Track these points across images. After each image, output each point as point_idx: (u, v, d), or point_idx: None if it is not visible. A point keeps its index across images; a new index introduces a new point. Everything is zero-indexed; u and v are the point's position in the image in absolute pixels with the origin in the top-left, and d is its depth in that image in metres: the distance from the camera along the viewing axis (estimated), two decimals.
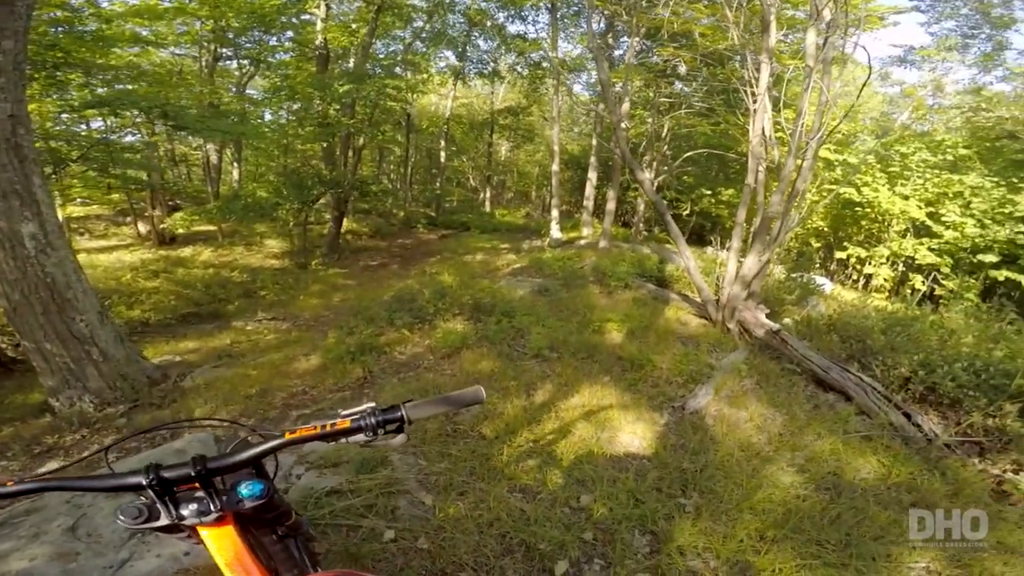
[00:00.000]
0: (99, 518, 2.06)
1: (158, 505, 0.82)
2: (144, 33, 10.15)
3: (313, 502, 2.21)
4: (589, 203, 13.42)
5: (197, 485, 0.83)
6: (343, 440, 0.88)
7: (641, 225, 14.27)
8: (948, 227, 9.92)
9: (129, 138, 11.44)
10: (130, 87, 9.40)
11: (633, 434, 3.14)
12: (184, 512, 0.82)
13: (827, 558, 2.16)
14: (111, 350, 4.08)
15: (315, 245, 12.59)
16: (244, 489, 0.86)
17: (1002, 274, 9.47)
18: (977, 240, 9.69)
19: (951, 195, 10.14)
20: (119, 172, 9.86)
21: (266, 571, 0.90)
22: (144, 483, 0.80)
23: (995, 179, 10.04)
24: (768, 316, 5.34)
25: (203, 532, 0.85)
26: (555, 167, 13.67)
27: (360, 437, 0.87)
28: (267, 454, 0.86)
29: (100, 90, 8.89)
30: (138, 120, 10.03)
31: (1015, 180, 10.17)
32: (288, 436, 0.87)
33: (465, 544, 2.08)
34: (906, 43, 21.09)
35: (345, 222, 13.82)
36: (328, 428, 0.87)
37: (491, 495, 2.38)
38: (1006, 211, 9.55)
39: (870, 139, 11.59)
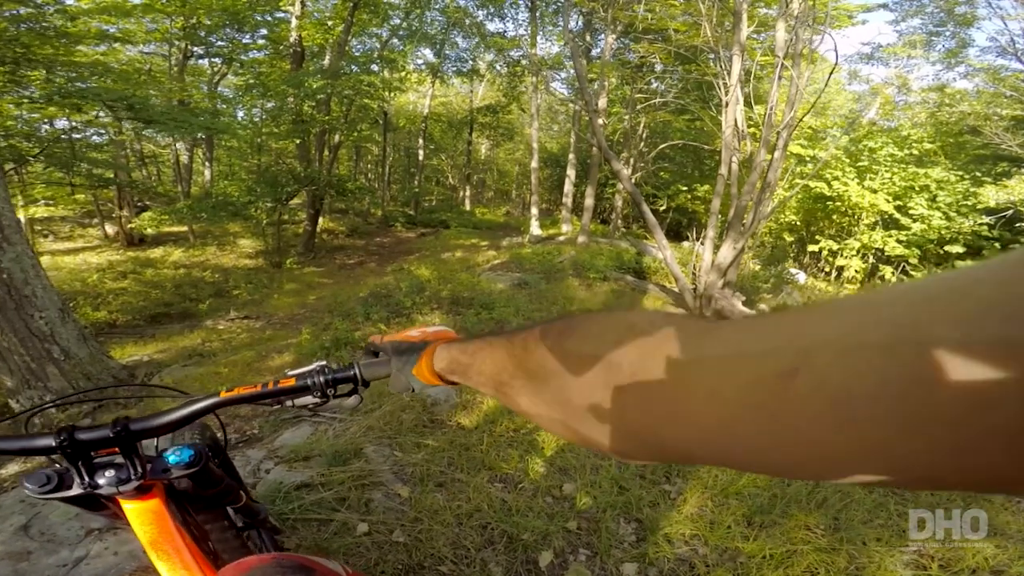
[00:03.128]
0: (53, 517, 1.95)
1: (72, 471, 0.72)
2: (111, 30, 9.82)
3: (282, 496, 2.12)
4: (568, 200, 13.46)
5: (117, 450, 0.73)
6: (289, 403, 0.78)
7: (619, 221, 14.37)
8: (915, 219, 10.21)
9: (96, 138, 11.07)
10: (94, 84, 9.09)
11: None
12: (100, 480, 0.72)
13: (817, 543, 2.15)
14: (73, 349, 3.91)
15: (290, 244, 12.35)
16: (171, 455, 0.77)
17: (967, 264, 9.76)
18: (943, 232, 9.99)
19: (918, 188, 10.44)
20: (84, 170, 9.52)
21: (201, 553, 0.81)
22: (54, 444, 0.69)
23: (959, 173, 10.39)
24: (744, 304, 5.40)
25: (126, 506, 0.75)
26: (534, 165, 13.68)
27: (308, 399, 0.77)
28: (199, 415, 0.75)
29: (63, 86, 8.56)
30: (103, 118, 9.69)
31: (978, 174, 10.53)
32: (224, 395, 0.76)
33: (444, 536, 2.02)
34: (874, 41, 21.69)
35: (321, 221, 13.61)
36: (270, 387, 0.77)
37: (471, 486, 2.32)
38: (970, 203, 9.87)
39: (839, 134, 11.86)
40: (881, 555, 2.13)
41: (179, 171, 14.37)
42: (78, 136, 10.11)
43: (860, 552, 2.13)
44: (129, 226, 11.19)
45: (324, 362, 0.80)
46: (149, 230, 11.18)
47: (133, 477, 0.73)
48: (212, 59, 14.31)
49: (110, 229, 11.68)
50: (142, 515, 0.76)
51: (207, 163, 15.79)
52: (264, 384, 0.78)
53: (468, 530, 2.06)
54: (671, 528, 2.17)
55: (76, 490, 0.73)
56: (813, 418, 0.19)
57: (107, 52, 10.50)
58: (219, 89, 15.43)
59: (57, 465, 0.75)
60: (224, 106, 13.82)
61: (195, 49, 13.37)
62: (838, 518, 2.33)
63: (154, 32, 11.75)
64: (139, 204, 12.27)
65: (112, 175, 10.97)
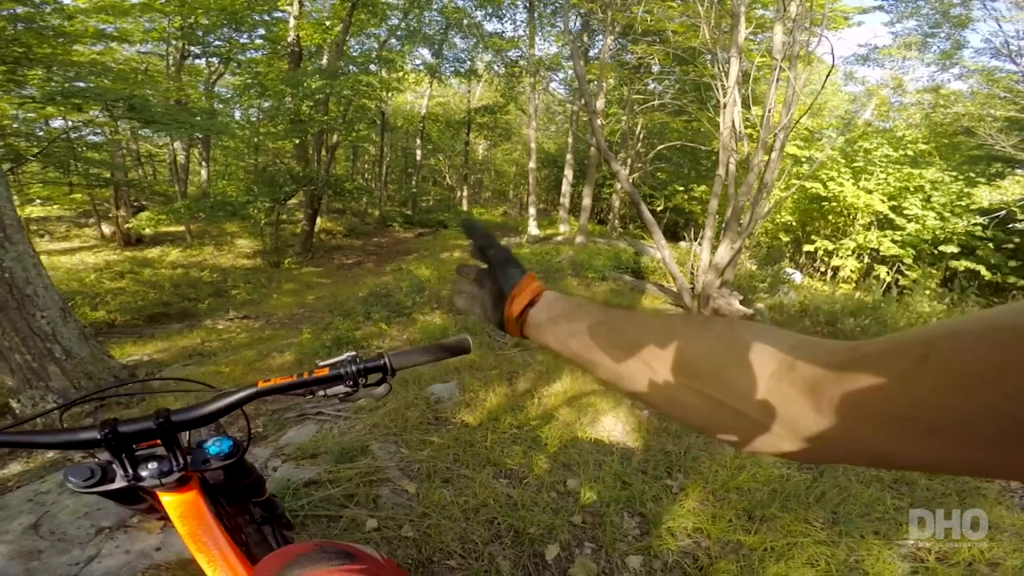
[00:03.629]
0: (63, 515, 1.96)
1: (114, 465, 0.73)
2: (109, 30, 9.79)
3: (291, 493, 2.14)
4: (566, 200, 13.51)
5: (159, 442, 0.74)
6: (321, 393, 0.80)
7: (616, 221, 14.42)
8: (910, 220, 10.28)
9: (93, 137, 11.03)
10: (92, 83, 9.07)
11: (615, 419, 3.15)
12: (143, 473, 0.73)
13: (816, 536, 2.19)
14: (75, 348, 3.91)
15: (288, 244, 12.33)
16: (212, 446, 0.78)
17: (962, 264, 9.86)
18: (937, 232, 10.07)
19: (912, 189, 10.52)
20: (81, 170, 9.48)
21: (235, 546, 0.82)
22: (99, 437, 0.70)
23: (953, 174, 10.47)
24: (741, 303, 5.45)
25: (164, 498, 0.76)
26: (532, 165, 13.72)
27: (340, 388, 0.80)
28: (238, 404, 0.77)
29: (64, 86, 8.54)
30: (101, 118, 9.67)
31: (972, 174, 10.62)
32: (261, 384, 0.78)
33: (452, 531, 2.05)
34: (870, 42, 21.84)
35: (319, 221, 13.59)
36: (305, 376, 0.79)
37: (476, 481, 2.34)
38: (963, 204, 9.96)
39: (835, 135, 11.94)
40: (879, 548, 2.17)
41: (176, 171, 14.33)
42: (76, 136, 10.06)
43: (859, 545, 2.17)
44: (126, 226, 11.15)
45: (354, 352, 0.83)
46: (146, 230, 11.13)
47: (175, 469, 0.74)
48: (209, 59, 14.28)
49: (107, 229, 11.63)
50: (181, 507, 0.77)
51: (204, 163, 15.75)
52: (299, 374, 0.80)
53: (475, 525, 2.09)
54: (674, 522, 2.20)
55: (119, 483, 0.73)
56: (943, 391, 0.25)
57: (104, 52, 10.47)
58: (216, 89, 15.40)
59: (96, 459, 0.75)
60: (221, 106, 13.79)
61: (192, 49, 13.35)
62: (836, 512, 2.37)
63: (151, 31, 11.72)
64: (136, 204, 12.23)
65: (109, 175, 10.94)
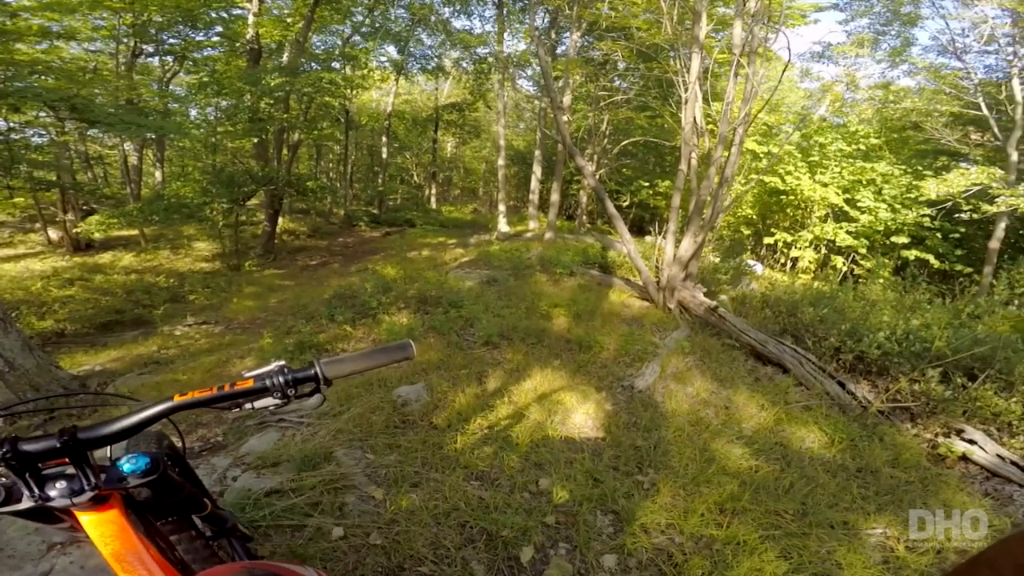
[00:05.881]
0: (12, 531, 1.84)
1: (19, 485, 0.69)
2: (54, 28, 9.25)
3: (252, 504, 2.05)
4: (535, 197, 13.52)
5: (67, 460, 0.70)
6: (248, 406, 0.75)
7: (584, 217, 14.53)
8: (863, 212, 10.68)
9: (37, 139, 10.42)
10: (34, 83, 8.56)
11: (586, 415, 3.15)
12: (51, 492, 0.69)
13: (787, 528, 2.22)
14: (18, 360, 3.68)
15: (249, 246, 11.96)
16: (125, 463, 0.73)
17: (912, 254, 10.32)
18: (889, 223, 10.50)
19: (865, 182, 10.93)
20: (23, 173, 8.95)
21: (168, 564, 0.78)
22: None
23: (903, 167, 10.93)
24: (705, 295, 5.54)
25: (83, 518, 0.72)
26: (501, 162, 13.69)
27: (268, 400, 0.75)
28: (151, 421, 0.73)
29: None
30: (45, 118, 9.13)
31: (920, 168, 11.11)
32: (178, 399, 0.74)
33: (422, 537, 1.99)
34: (825, 40, 22.55)
35: (281, 221, 13.24)
36: (227, 389, 0.74)
37: (446, 485, 2.30)
38: (913, 196, 10.41)
39: (792, 131, 12.30)
40: (849, 538, 2.22)
41: (127, 173, 13.71)
42: (17, 137, 9.48)
43: (829, 535, 2.21)
44: (75, 231, 10.60)
45: (283, 362, 0.78)
46: (97, 234, 10.61)
47: (87, 488, 0.70)
48: (163, 57, 13.69)
49: (54, 234, 11.05)
50: (101, 527, 0.73)
51: (158, 164, 15.12)
52: (220, 387, 0.75)
53: (447, 529, 2.05)
54: (647, 518, 2.21)
55: (26, 503, 0.69)
56: None
57: (48, 50, 9.91)
58: (171, 88, 14.78)
59: (3, 479, 0.71)
60: (176, 105, 13.24)
61: (145, 47, 12.77)
62: (805, 503, 2.42)
63: (101, 29, 11.14)
64: (85, 207, 11.62)
65: (55, 177, 10.37)
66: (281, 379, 0.74)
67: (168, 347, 5.56)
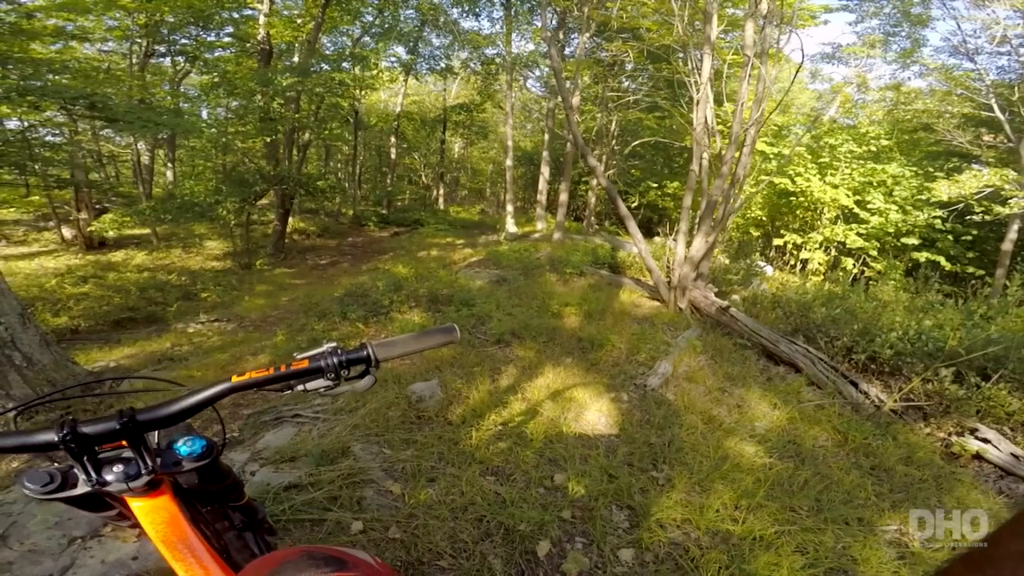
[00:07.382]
0: (32, 525, 1.86)
1: (75, 469, 0.66)
2: (68, 28, 9.38)
3: (271, 498, 2.08)
4: (542, 198, 13.53)
5: (124, 443, 0.68)
6: (300, 387, 0.75)
7: (593, 218, 14.53)
8: (874, 213, 10.62)
9: (51, 137, 10.55)
10: (50, 82, 8.68)
11: (599, 412, 3.16)
12: (108, 476, 0.66)
13: (803, 523, 2.22)
14: (36, 355, 3.73)
15: (259, 245, 12.04)
16: (183, 446, 0.72)
17: (923, 255, 10.24)
18: (900, 225, 10.43)
19: (875, 184, 10.86)
20: (39, 171, 9.06)
21: (215, 552, 0.77)
22: (56, 439, 0.64)
23: (914, 168, 10.85)
24: (716, 295, 5.54)
25: (134, 504, 0.70)
26: (509, 163, 13.70)
27: (320, 381, 0.75)
28: (211, 401, 0.72)
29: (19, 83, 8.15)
30: (59, 117, 9.25)
31: (931, 169, 11.03)
32: (235, 379, 0.73)
33: (440, 531, 2.01)
34: (835, 41, 22.40)
35: (291, 221, 13.32)
36: (283, 369, 0.74)
37: (463, 479, 2.31)
38: (924, 198, 10.34)
39: (802, 132, 12.25)
40: (864, 533, 2.22)
41: (139, 172, 13.84)
42: (33, 136, 9.61)
43: (844, 531, 2.21)
44: (88, 229, 10.72)
45: (335, 343, 0.78)
46: (110, 233, 10.72)
47: (144, 472, 0.68)
48: (175, 57, 13.82)
49: (67, 232, 11.17)
50: (153, 513, 0.71)
51: (169, 163, 15.25)
52: (276, 367, 0.75)
53: (464, 524, 2.06)
54: (662, 513, 2.21)
55: (82, 488, 0.67)
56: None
57: (63, 50, 10.05)
58: (182, 88, 14.92)
59: (56, 464, 0.69)
60: (188, 105, 13.36)
61: (157, 47, 12.90)
62: (820, 499, 2.41)
63: (114, 29, 11.27)
64: (98, 206, 11.75)
65: (70, 175, 10.50)
66: (335, 360, 0.75)
67: (181, 344, 5.61)
